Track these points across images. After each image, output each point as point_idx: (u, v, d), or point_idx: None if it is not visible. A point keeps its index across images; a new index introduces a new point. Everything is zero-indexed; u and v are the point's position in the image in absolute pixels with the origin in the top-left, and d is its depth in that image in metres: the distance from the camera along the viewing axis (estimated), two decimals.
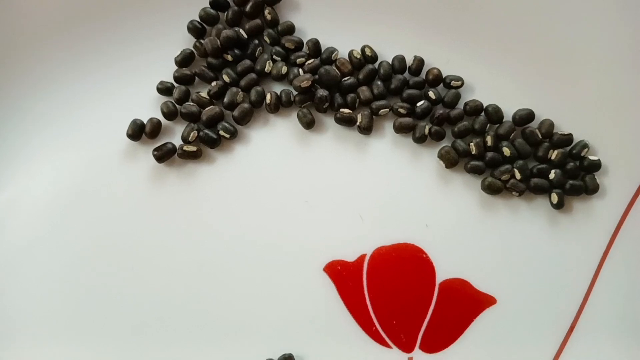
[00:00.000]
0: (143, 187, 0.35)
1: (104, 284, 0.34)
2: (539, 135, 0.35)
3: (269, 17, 0.36)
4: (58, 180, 0.35)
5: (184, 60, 0.36)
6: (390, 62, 0.36)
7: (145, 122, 0.35)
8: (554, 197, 0.34)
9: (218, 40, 0.35)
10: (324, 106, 0.35)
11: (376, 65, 0.36)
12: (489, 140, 0.35)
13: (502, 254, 0.34)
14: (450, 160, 0.35)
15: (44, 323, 0.34)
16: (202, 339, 0.33)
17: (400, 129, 0.35)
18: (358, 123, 0.35)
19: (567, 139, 0.35)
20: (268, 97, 0.35)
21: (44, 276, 0.34)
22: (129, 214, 0.35)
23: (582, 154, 0.35)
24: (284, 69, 0.36)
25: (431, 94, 0.36)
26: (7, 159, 0.36)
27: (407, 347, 0.33)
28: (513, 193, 0.35)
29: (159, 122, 0.35)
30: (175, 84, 0.36)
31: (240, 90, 0.35)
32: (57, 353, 0.33)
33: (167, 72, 0.36)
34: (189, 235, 0.34)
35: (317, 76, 0.35)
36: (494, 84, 0.36)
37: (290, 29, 0.36)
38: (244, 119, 0.35)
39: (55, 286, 0.34)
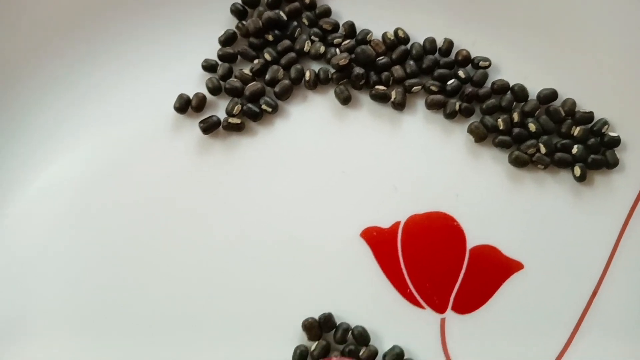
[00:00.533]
0: (189, 158, 0.37)
1: (150, 254, 0.36)
2: (562, 113, 0.37)
3: (307, 0, 0.38)
4: (105, 152, 0.37)
5: (227, 39, 0.38)
6: (422, 44, 0.38)
7: (191, 96, 0.37)
8: (577, 171, 0.37)
9: (260, 21, 0.38)
10: (360, 83, 0.37)
11: (408, 46, 0.38)
12: (515, 116, 0.37)
13: (528, 223, 0.36)
14: (480, 134, 0.37)
15: (84, 294, 0.36)
16: (246, 299, 0.35)
17: (431, 106, 0.37)
18: (392, 99, 0.37)
19: (589, 116, 0.37)
20: (307, 74, 0.37)
21: (89, 249, 0.36)
22: (175, 184, 0.36)
23: (603, 130, 0.37)
24: (322, 49, 0.38)
25: (461, 73, 0.38)
26: (54, 133, 0.37)
27: (440, 308, 0.35)
28: (538, 166, 0.37)
29: (204, 97, 0.37)
30: (219, 62, 0.38)
31: (280, 67, 0.37)
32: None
33: (211, 51, 0.38)
34: (232, 203, 0.36)
35: (353, 55, 0.37)
36: (520, 64, 0.38)
37: (327, 12, 0.39)
38: (285, 94, 0.37)
39: (97, 264, 0.36)
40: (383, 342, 0.35)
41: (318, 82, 0.38)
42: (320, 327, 0.34)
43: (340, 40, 0.38)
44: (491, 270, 0.35)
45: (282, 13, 0.38)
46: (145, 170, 0.37)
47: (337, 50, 0.38)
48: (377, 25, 0.38)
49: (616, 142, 0.37)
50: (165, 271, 0.35)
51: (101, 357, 0.35)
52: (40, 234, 0.36)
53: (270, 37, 0.38)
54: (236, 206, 0.36)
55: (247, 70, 0.38)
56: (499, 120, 0.37)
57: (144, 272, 0.35)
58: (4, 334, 0.35)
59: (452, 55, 0.38)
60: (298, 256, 0.35)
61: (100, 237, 0.36)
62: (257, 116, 0.37)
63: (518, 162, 0.37)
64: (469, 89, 0.37)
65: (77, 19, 0.38)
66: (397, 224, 0.36)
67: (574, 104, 0.37)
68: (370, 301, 0.35)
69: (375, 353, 0.34)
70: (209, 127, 0.37)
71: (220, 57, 0.38)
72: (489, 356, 0.35)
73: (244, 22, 0.38)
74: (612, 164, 0.37)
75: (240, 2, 0.38)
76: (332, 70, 0.37)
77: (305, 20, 0.38)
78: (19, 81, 0.38)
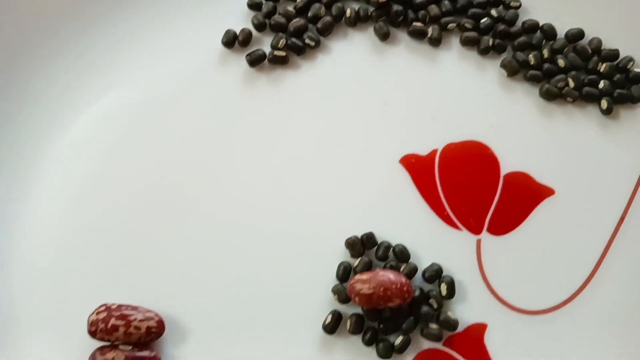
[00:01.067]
0: (235, 91, 0.39)
1: (198, 181, 0.38)
2: (589, 51, 0.39)
3: None
4: (155, 86, 0.39)
5: None
6: None
7: (237, 32, 0.39)
8: (604, 104, 0.39)
9: None
10: (399, 20, 0.39)
11: None
12: (545, 53, 0.39)
13: (558, 152, 0.38)
14: (512, 69, 0.39)
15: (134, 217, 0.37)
16: (293, 220, 0.37)
17: (466, 42, 0.39)
18: (429, 35, 0.39)
19: (614, 54, 0.39)
20: (348, 11, 0.39)
21: (138, 178, 0.38)
22: (222, 115, 0.38)
23: (628, 67, 0.39)
24: None
25: (493, 12, 0.40)
26: (104, 69, 0.39)
27: (475, 230, 0.37)
28: (567, 99, 0.39)
29: (250, 32, 0.39)
30: (264, 0, 0.40)
31: (322, 5, 0.39)
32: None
33: None
34: (277, 132, 0.38)
35: None
36: (548, 5, 0.40)
37: None
38: (326, 30, 0.39)
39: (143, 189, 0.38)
40: (422, 261, 0.36)
41: (358, 20, 0.40)
42: (363, 244, 0.36)
43: None
44: (524, 195, 0.37)
45: None
46: (194, 102, 0.38)
47: None
48: None
49: None
50: (213, 196, 0.37)
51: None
52: (93, 165, 0.38)
53: None
54: (281, 135, 0.38)
55: (290, 8, 0.39)
56: (530, 56, 0.39)
57: (195, 193, 0.37)
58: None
59: None
60: (341, 181, 0.37)
61: (150, 166, 0.38)
62: (301, 50, 0.39)
63: (548, 95, 0.39)
64: (501, 27, 0.39)
65: None
66: (435, 151, 0.38)
67: (600, 42, 0.39)
68: (409, 223, 0.37)
69: (415, 269, 0.36)
70: (256, 59, 0.39)
71: None
72: (522, 275, 0.36)
73: None
74: (637, 98, 0.39)
75: None
76: (372, 8, 0.39)
77: None
78: (67, 18, 0.39)
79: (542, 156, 0.38)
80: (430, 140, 0.38)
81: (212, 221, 0.37)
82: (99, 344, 0.35)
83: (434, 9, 0.39)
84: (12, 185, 0.37)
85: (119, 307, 0.35)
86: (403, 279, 0.34)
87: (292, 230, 0.37)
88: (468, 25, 0.39)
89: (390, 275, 0.34)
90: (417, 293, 0.35)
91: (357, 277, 0.35)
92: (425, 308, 0.35)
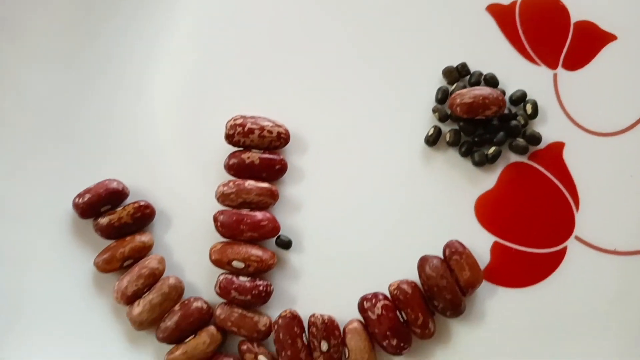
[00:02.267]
0: None
1: (319, 23, 0.44)
2: None
3: None
4: None
5: None
6: None
7: None
8: None
9: None
10: None
11: None
12: None
13: (620, 4, 0.44)
14: None
15: None
16: (398, 55, 0.43)
17: None
18: None
19: None
20: None
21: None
22: None
23: None
24: None
25: None
26: None
27: (552, 65, 0.43)
28: None
29: None
30: None
31: None
32: None
33: None
34: None
35: None
36: None
37: None
38: None
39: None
40: (508, 88, 0.42)
41: None
42: (458, 72, 0.42)
43: None
44: (591, 39, 0.44)
45: None
46: None
47: None
48: None
49: None
50: (329, 32, 0.44)
51: None
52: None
53: None
54: None
55: None
56: None
57: (314, 30, 0.43)
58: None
59: None
60: (437, 21, 0.43)
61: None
62: None
63: None
64: None
65: None
66: (515, 1, 0.44)
67: None
68: (496, 59, 0.43)
69: (504, 92, 0.42)
70: None
71: None
72: (592, 103, 0.43)
73: None
74: None
75: None
76: None
77: None
78: None
79: (605, 8, 0.44)
80: None
81: (328, 51, 0.43)
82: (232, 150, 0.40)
83: None
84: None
85: (253, 116, 0.40)
86: (498, 91, 0.40)
87: (396, 62, 0.43)
88: None
89: (486, 89, 0.40)
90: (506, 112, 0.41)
91: (457, 92, 0.40)
92: (513, 122, 0.41)
